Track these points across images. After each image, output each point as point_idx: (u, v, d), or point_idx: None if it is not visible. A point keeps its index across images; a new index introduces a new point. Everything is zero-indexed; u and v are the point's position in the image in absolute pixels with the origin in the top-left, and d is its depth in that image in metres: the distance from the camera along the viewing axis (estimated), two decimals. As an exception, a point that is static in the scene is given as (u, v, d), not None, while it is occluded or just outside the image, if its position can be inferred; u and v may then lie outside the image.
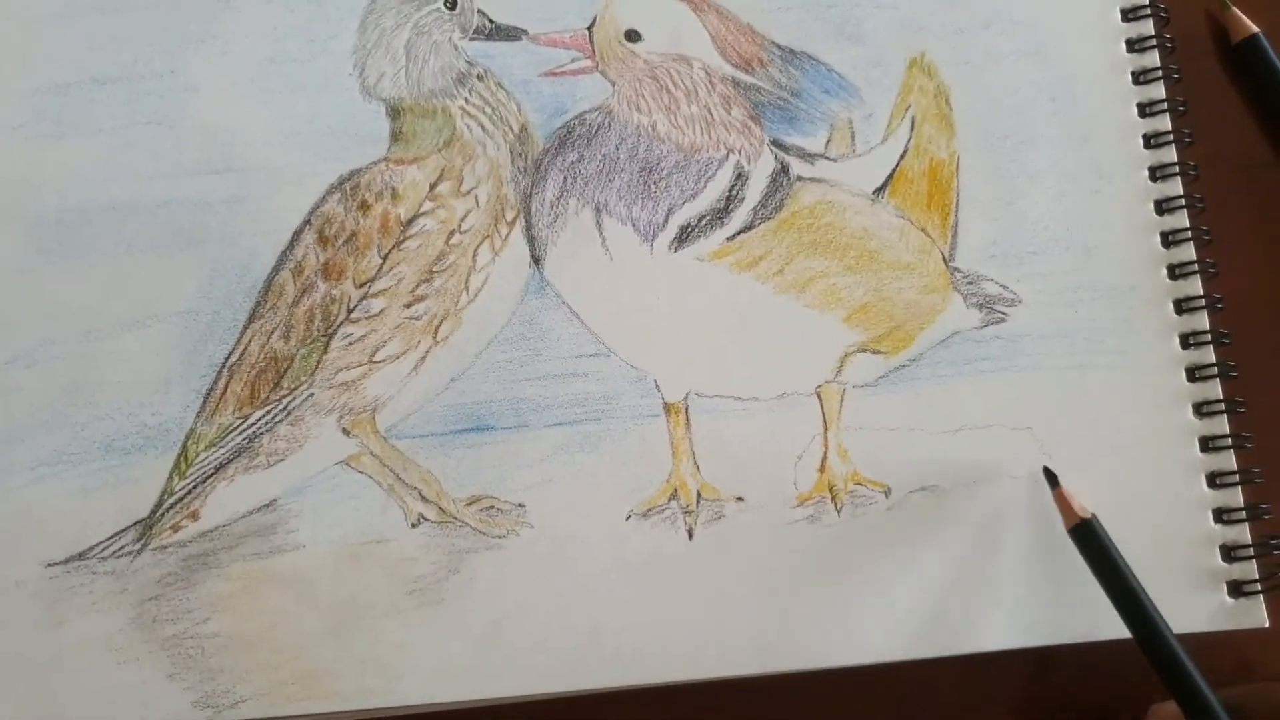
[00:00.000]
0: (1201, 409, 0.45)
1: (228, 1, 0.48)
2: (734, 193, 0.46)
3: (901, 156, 0.47)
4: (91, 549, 0.44)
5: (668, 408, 0.45)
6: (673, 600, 0.44)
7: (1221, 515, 0.45)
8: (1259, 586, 0.44)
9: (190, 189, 0.47)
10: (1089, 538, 0.42)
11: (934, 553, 0.44)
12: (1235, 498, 0.45)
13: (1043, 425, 0.45)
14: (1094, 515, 0.42)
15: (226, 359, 0.45)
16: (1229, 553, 0.44)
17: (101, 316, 0.46)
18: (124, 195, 0.47)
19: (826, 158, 0.47)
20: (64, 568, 0.44)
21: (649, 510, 0.45)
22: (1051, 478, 0.44)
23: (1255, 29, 0.48)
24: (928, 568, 0.44)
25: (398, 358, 0.45)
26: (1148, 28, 0.48)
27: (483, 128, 0.46)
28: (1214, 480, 0.45)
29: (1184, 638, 0.43)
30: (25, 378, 0.45)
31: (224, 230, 0.46)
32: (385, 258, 0.46)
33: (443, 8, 0.47)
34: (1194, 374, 0.46)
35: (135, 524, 0.45)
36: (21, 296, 0.46)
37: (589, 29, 0.47)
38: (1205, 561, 0.44)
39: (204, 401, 0.45)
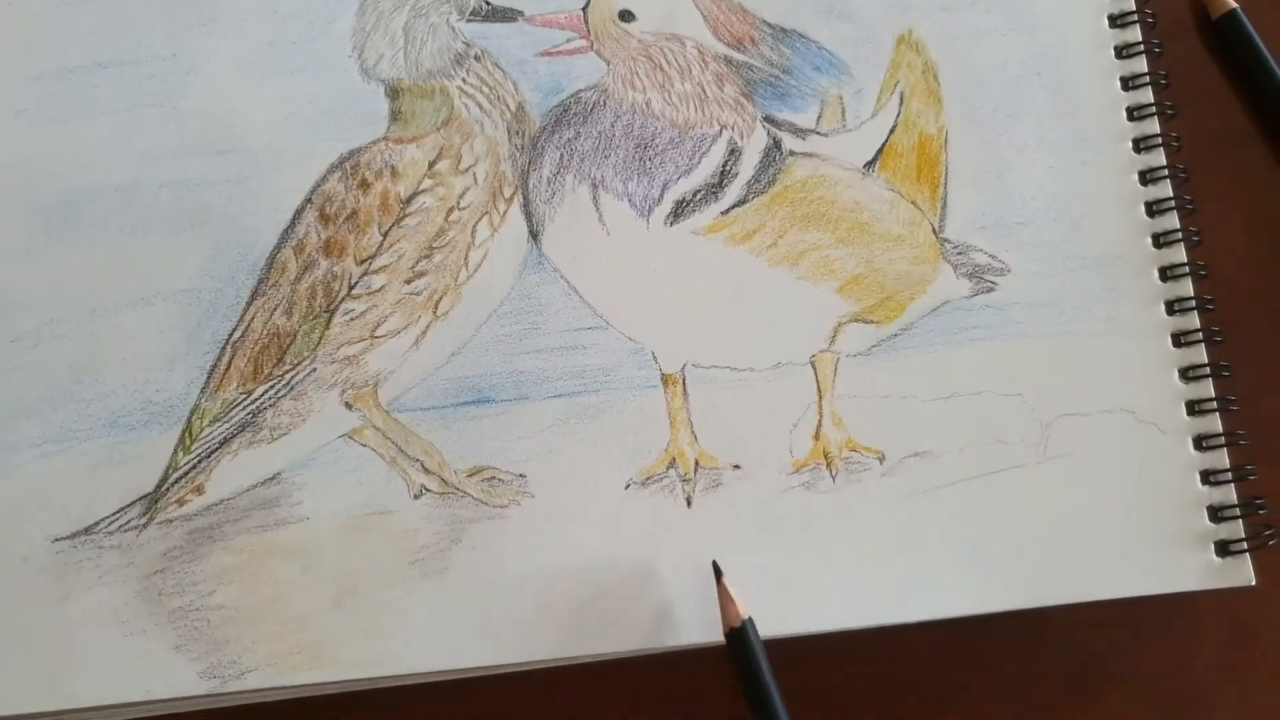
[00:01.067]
0: (1187, 373, 0.46)
1: (228, -15, 0.49)
2: (728, 168, 0.47)
3: (891, 131, 0.48)
4: (98, 524, 0.45)
5: (665, 378, 0.46)
6: (672, 567, 0.45)
7: (1208, 477, 0.45)
8: (1245, 545, 0.45)
9: (193, 170, 0.47)
10: (741, 643, 0.41)
11: (928, 517, 0.45)
12: (1221, 459, 0.45)
13: (1032, 391, 0.46)
14: (750, 619, 0.42)
15: (230, 335, 0.46)
16: (1216, 513, 0.45)
17: (106, 295, 0.46)
18: (127, 177, 0.47)
19: (818, 133, 0.48)
20: (70, 542, 0.45)
21: (648, 479, 0.45)
22: (718, 572, 0.43)
23: (1234, 4, 0.50)
24: (922, 531, 0.45)
25: (399, 333, 0.46)
26: (1129, 3, 0.49)
27: (480, 107, 0.47)
28: (1200, 443, 0.46)
29: (1174, 597, 0.45)
30: (31, 356, 0.46)
31: (226, 210, 0.47)
32: (385, 235, 0.46)
33: (440, -11, 0.48)
34: (1179, 339, 0.46)
35: (141, 499, 0.45)
36: (27, 277, 0.46)
37: (584, 10, 0.48)
38: (1193, 522, 0.45)
39: (208, 377, 0.46)
